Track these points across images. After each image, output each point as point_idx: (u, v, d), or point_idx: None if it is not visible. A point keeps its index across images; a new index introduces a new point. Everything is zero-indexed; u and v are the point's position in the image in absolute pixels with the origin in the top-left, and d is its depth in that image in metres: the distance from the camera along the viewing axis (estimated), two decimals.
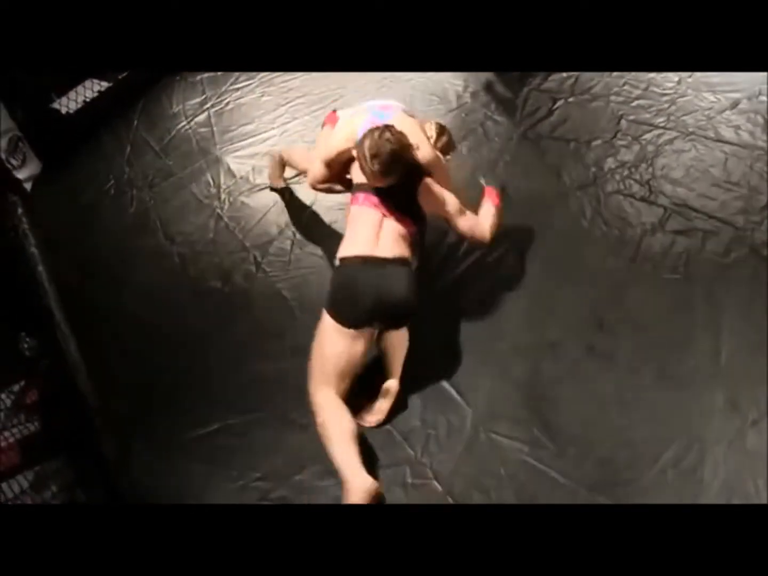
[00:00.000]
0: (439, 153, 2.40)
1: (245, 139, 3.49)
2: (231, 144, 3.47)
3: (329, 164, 2.42)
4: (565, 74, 3.70)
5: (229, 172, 3.28)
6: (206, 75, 4.16)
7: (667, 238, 2.68)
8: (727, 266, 2.55)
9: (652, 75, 3.67)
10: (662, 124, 3.28)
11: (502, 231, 2.76)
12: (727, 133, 3.17)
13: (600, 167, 3.02)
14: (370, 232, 2.26)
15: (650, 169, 3.00)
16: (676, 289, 2.49)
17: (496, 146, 3.24)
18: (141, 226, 3.14)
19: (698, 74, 3.66)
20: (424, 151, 2.27)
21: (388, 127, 2.13)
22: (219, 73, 4.15)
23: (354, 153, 2.21)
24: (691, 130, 3.22)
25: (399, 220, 2.28)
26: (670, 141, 3.16)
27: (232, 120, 3.67)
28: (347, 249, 2.29)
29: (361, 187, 2.32)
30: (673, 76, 3.65)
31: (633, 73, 3.69)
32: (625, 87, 3.58)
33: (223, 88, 3.98)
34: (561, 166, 3.06)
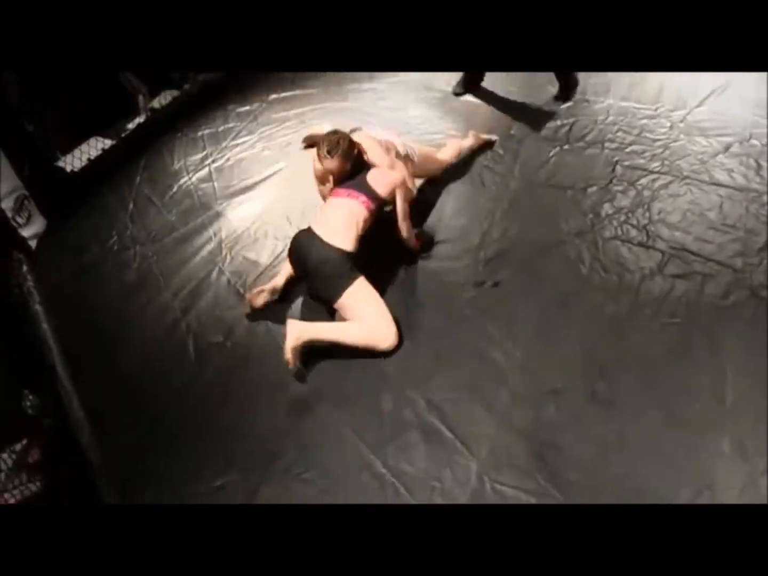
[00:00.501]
0: (393, 158, 3.04)
1: (246, 193, 3.59)
2: (232, 199, 3.57)
3: (322, 181, 3.07)
4: (559, 122, 3.84)
5: (231, 227, 3.36)
6: (207, 131, 4.32)
7: (666, 282, 2.72)
8: (727, 309, 2.58)
9: (644, 121, 3.80)
10: (657, 169, 3.38)
11: (502, 278, 2.82)
12: (722, 177, 3.26)
13: (597, 213, 3.10)
14: (326, 217, 2.83)
15: (647, 214, 3.07)
16: (677, 333, 2.51)
17: (493, 195, 3.33)
18: (143, 282, 3.20)
19: (690, 119, 3.78)
20: (372, 152, 2.96)
21: (335, 131, 2.92)
22: (219, 129, 4.31)
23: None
24: (685, 174, 3.32)
25: (357, 198, 2.83)
26: (666, 185, 3.25)
27: (233, 175, 3.79)
28: (313, 222, 2.87)
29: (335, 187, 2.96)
30: (665, 122, 3.78)
31: (626, 119, 3.82)
32: (619, 133, 3.69)
33: (224, 144, 4.13)
34: (558, 213, 3.14)
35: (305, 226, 3.13)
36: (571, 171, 3.43)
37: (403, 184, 2.91)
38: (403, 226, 2.92)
